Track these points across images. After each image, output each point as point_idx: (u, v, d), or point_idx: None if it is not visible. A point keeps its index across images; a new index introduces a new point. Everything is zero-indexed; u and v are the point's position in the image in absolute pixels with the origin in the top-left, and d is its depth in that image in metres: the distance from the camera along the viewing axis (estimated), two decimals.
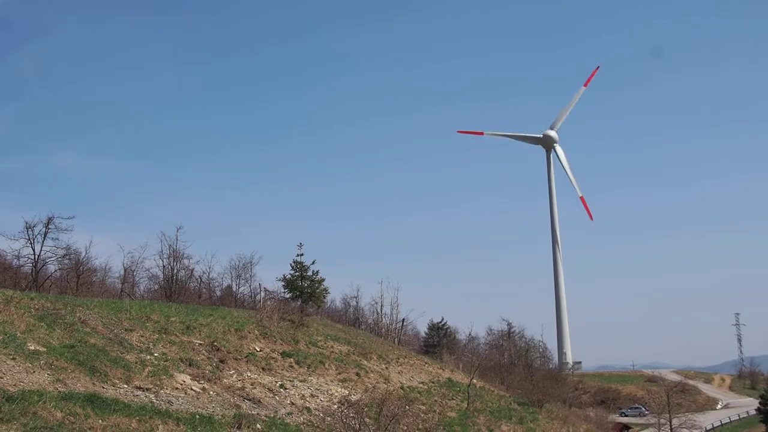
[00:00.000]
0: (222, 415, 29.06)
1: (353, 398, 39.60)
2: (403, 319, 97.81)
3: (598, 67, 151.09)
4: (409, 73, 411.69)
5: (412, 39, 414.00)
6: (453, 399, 54.82)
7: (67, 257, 59.68)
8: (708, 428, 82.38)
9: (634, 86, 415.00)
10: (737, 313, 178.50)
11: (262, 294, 76.69)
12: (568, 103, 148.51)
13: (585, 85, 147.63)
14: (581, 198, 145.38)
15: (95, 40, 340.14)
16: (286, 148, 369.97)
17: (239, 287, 79.72)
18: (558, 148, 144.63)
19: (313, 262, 65.34)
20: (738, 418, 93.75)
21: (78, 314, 35.50)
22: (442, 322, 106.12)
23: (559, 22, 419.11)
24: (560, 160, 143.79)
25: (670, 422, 66.46)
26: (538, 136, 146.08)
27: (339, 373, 47.88)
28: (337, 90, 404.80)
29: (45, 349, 28.07)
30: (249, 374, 39.07)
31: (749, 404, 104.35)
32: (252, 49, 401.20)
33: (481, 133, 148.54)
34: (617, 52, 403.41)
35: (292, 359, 45.91)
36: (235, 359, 40.73)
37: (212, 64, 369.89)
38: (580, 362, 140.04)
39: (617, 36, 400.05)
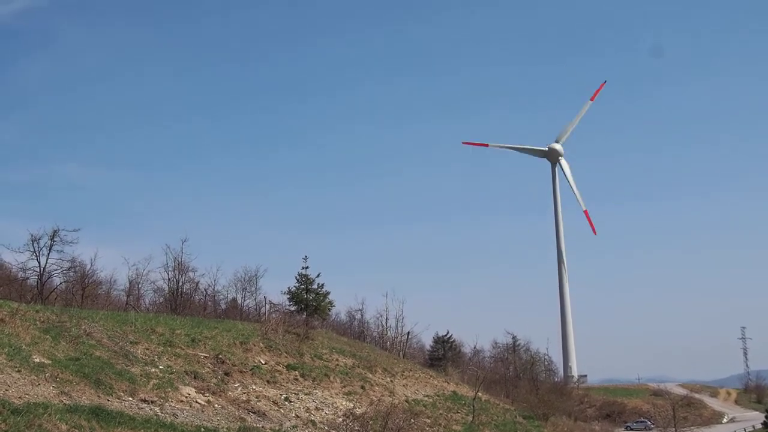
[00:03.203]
0: (227, 428, 29.02)
1: (358, 411, 39.49)
2: (408, 332, 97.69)
3: (605, 81, 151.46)
4: (411, 83, 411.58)
5: (415, 50, 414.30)
6: (458, 412, 54.63)
7: (73, 270, 59.82)
8: None
9: (641, 97, 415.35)
10: (743, 327, 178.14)
11: (267, 307, 76.61)
12: (574, 117, 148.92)
13: (592, 99, 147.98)
14: (585, 212, 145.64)
15: (102, 49, 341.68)
16: (291, 158, 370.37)
17: (244, 300, 79.76)
18: (563, 162, 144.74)
19: (318, 275, 65.34)
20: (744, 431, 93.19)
21: (83, 327, 35.52)
22: (447, 335, 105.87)
23: (564, 34, 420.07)
24: (565, 174, 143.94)
25: None
26: (543, 149, 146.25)
27: (344, 386, 47.78)
28: (341, 99, 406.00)
29: (50, 362, 28.08)
30: (254, 387, 39.01)
31: (755, 418, 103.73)
32: (257, 57, 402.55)
33: (486, 145, 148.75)
34: (624, 65, 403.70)
35: (297, 372, 45.84)
36: (240, 372, 40.68)
37: (217, 73, 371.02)
38: (585, 375, 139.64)
39: (623, 49, 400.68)
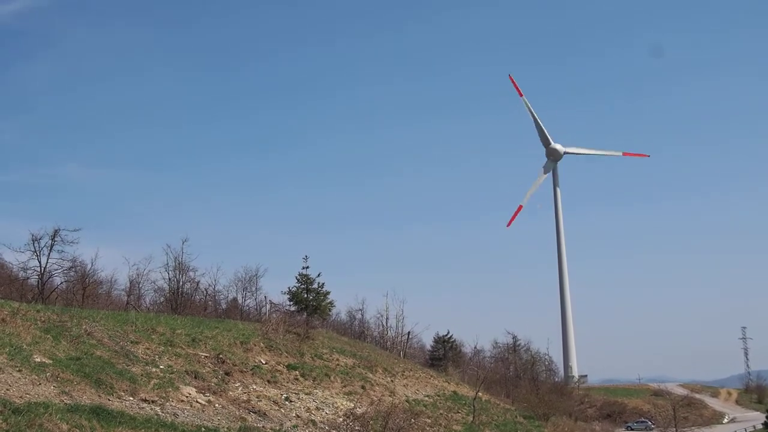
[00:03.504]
0: (227, 428, 29.04)
1: (358, 411, 39.49)
2: (409, 332, 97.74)
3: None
4: (411, 83, 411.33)
5: (415, 50, 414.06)
6: (458, 412, 54.65)
7: (73, 269, 59.87)
8: None
9: (641, 97, 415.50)
10: (744, 327, 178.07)
11: (268, 306, 76.70)
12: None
13: (521, 95, 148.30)
14: (519, 206, 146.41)
15: (102, 49, 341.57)
16: (291, 158, 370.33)
17: (245, 300, 79.83)
18: (554, 165, 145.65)
19: (319, 275, 65.36)
20: None
21: (84, 326, 35.57)
22: (448, 335, 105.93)
23: (563, 34, 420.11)
24: (545, 171, 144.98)
25: None
26: (549, 140, 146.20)
27: (344, 386, 47.81)
28: (341, 99, 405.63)
29: (51, 362, 28.11)
30: (254, 387, 39.04)
31: (756, 418, 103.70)
32: (257, 57, 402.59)
33: (521, 95, 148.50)
34: (624, 65, 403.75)
35: (297, 372, 45.87)
36: (241, 372, 40.70)
37: (218, 74, 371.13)
38: (585, 375, 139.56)
39: (623, 49, 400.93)
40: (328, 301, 66.43)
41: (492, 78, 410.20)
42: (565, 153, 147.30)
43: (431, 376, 69.87)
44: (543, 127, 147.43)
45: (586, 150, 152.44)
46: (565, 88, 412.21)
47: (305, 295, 64.13)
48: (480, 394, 61.30)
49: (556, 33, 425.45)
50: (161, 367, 34.79)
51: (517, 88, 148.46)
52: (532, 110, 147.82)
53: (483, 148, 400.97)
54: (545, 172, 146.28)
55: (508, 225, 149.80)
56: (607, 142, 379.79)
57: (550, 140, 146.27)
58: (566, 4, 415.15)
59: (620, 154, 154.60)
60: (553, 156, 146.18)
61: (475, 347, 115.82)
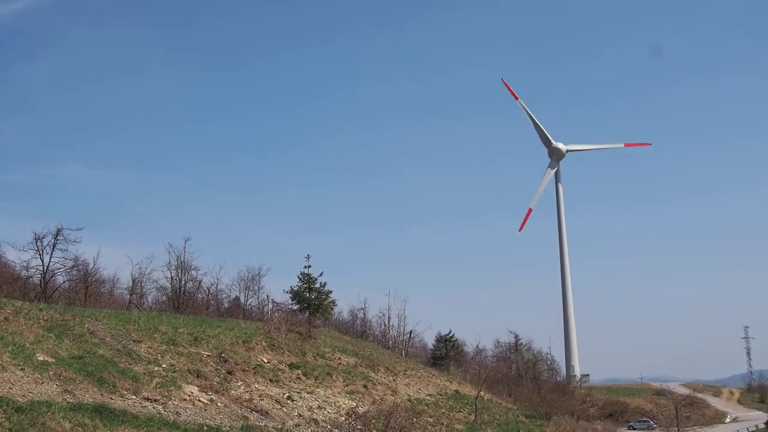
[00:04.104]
0: (230, 427, 29.10)
1: (361, 410, 39.52)
2: (411, 331, 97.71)
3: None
4: (411, 83, 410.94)
5: (415, 50, 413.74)
6: (460, 411, 54.67)
7: (76, 268, 59.88)
8: None
9: (641, 97, 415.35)
10: (746, 327, 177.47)
11: (270, 306, 76.75)
12: (595, 145, 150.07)
13: (516, 98, 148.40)
14: (529, 209, 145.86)
15: (103, 49, 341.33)
16: (292, 158, 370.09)
17: (247, 299, 79.85)
18: (558, 164, 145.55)
19: (321, 274, 65.47)
20: (747, 431, 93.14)
21: (86, 325, 35.64)
22: (450, 335, 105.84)
23: (563, 34, 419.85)
24: (550, 171, 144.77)
25: None
26: (551, 139, 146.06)
27: (346, 385, 47.84)
28: (341, 99, 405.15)
29: (54, 360, 28.18)
30: (257, 386, 39.09)
31: (758, 417, 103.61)
32: (257, 57, 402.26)
33: (517, 98, 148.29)
34: (624, 66, 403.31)
35: (299, 371, 45.91)
36: (243, 371, 40.75)
37: (218, 74, 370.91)
38: (587, 375, 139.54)
39: (623, 49, 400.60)
40: (330, 300, 66.59)
41: (492, 78, 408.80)
42: (568, 151, 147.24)
43: (433, 375, 69.90)
44: (542, 128, 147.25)
45: (588, 146, 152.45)
46: (565, 88, 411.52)
47: (307, 294, 64.26)
48: (482, 393, 61.31)
49: (556, 33, 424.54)
50: (163, 366, 34.84)
51: (511, 92, 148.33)
52: (530, 112, 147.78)
53: (483, 148, 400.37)
54: (551, 170, 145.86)
55: (520, 229, 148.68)
56: (607, 141, 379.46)
57: (551, 140, 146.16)
58: (566, 4, 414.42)
59: (622, 145, 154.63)
60: (556, 155, 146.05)
61: (477, 346, 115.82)
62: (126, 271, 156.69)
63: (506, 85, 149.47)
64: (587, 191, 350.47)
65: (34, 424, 20.66)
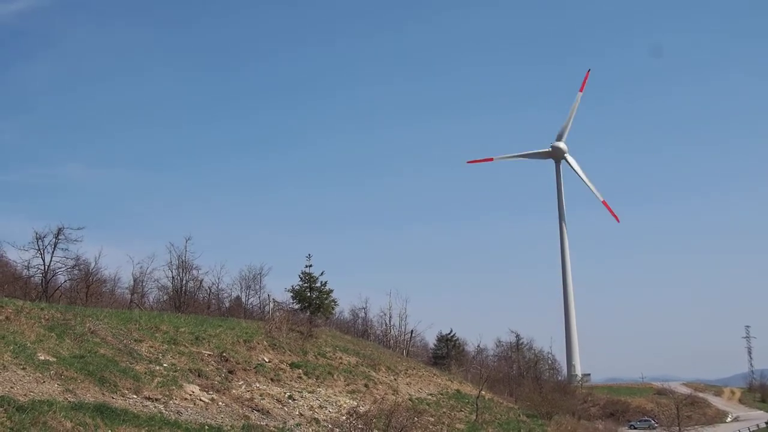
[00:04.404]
0: (231, 426, 29.10)
1: (362, 410, 39.55)
2: (412, 331, 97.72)
3: (590, 70, 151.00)
4: (411, 83, 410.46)
5: (415, 50, 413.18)
6: (461, 411, 54.68)
7: (77, 268, 59.97)
8: None
9: (641, 97, 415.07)
10: (748, 326, 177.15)
11: (271, 305, 76.74)
12: (569, 112, 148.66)
13: (581, 90, 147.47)
14: (603, 202, 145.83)
15: (103, 49, 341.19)
16: (292, 158, 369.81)
17: (248, 298, 79.87)
18: (569, 158, 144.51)
19: (322, 273, 65.46)
20: (748, 431, 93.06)
21: (88, 325, 35.64)
22: (451, 334, 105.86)
23: (563, 34, 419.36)
24: (574, 169, 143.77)
25: None
26: (548, 149, 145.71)
27: (347, 385, 47.85)
28: (342, 99, 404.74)
29: (55, 360, 28.19)
30: (258, 385, 39.10)
31: (759, 417, 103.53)
32: (257, 57, 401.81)
33: (491, 159, 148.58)
34: (624, 66, 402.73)
35: (300, 370, 45.92)
36: (244, 370, 40.77)
37: (218, 74, 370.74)
38: (589, 374, 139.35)
39: (624, 49, 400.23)
40: (331, 299, 66.59)
41: (492, 78, 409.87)
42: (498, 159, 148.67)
43: (434, 374, 69.91)
44: (533, 152, 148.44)
45: (516, 155, 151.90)
46: (565, 88, 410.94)
47: (308, 294, 64.25)
48: (483, 392, 61.34)
49: (556, 33, 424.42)
50: (165, 365, 34.86)
51: (482, 161, 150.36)
52: (512, 155, 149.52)
53: (483, 147, 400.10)
54: (572, 161, 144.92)
55: (618, 220, 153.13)
56: (607, 141, 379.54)
57: (548, 149, 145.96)
58: (566, 4, 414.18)
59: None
60: (560, 154, 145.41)
61: (478, 346, 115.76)
62: (127, 270, 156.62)
63: (474, 161, 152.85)
64: (587, 191, 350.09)
65: (36, 424, 20.67)
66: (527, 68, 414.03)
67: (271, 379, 41.57)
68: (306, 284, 64.65)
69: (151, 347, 37.51)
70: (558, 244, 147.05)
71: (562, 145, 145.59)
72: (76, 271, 60.09)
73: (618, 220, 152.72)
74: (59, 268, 57.15)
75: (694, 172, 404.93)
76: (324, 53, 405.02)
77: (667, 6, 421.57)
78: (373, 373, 55.01)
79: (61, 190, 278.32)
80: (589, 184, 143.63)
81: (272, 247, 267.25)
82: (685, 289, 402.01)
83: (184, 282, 68.34)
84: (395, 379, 57.34)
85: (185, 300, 66.70)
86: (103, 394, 26.87)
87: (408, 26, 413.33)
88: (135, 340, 37.41)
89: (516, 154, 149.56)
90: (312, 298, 64.52)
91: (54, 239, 54.95)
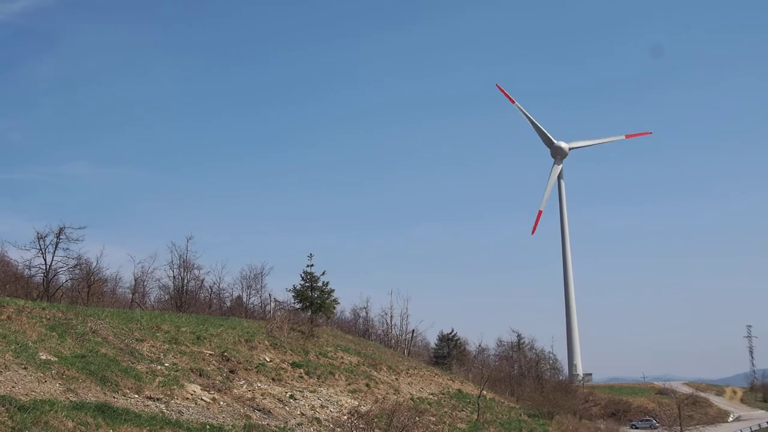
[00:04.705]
0: (232, 426, 29.07)
1: (363, 409, 39.55)
2: (413, 330, 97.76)
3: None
4: (413, 83, 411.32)
5: (418, 50, 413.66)
6: (463, 410, 54.66)
7: (78, 267, 59.98)
8: None
9: (641, 97, 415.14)
10: (749, 326, 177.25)
11: (272, 304, 76.84)
12: (597, 140, 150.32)
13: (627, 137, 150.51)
14: (540, 211, 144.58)
15: (107, 48, 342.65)
16: (295, 158, 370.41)
17: (249, 297, 79.96)
18: (561, 163, 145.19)
19: (323, 273, 65.40)
20: (750, 431, 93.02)
21: (89, 324, 35.64)
22: (452, 333, 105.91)
23: (564, 34, 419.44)
24: (557, 169, 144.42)
25: None
26: (552, 139, 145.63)
27: (349, 384, 47.84)
28: (345, 99, 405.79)
29: (56, 359, 28.18)
30: (259, 385, 39.09)
31: (761, 417, 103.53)
32: (263, 57, 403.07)
33: (513, 101, 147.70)
34: (624, 66, 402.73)
35: (302, 370, 45.91)
36: (246, 369, 40.76)
37: (223, 73, 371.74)
38: (590, 374, 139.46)
39: (623, 49, 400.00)
40: (333, 299, 66.52)
41: (492, 78, 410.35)
42: (571, 149, 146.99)
43: (435, 374, 69.89)
44: (542, 129, 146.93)
45: (590, 141, 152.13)
46: (565, 88, 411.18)
47: (310, 293, 64.19)
48: (484, 392, 61.29)
49: (557, 33, 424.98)
50: (166, 364, 34.84)
51: (507, 96, 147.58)
52: (528, 114, 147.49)
53: (484, 148, 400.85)
54: (558, 167, 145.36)
55: (533, 232, 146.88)
56: (608, 135, 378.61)
57: (553, 140, 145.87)
58: (567, 4, 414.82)
59: (623, 137, 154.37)
60: (559, 154, 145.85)
61: (480, 345, 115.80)
62: (128, 270, 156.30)
63: (501, 89, 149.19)
64: (590, 192, 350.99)
65: (37, 423, 20.65)
66: (528, 68, 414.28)
67: (273, 379, 41.56)
68: (307, 284, 64.59)
69: (153, 347, 37.51)
70: (559, 244, 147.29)
71: (564, 146, 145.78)
72: (77, 271, 60.16)
73: (533, 233, 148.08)
74: (60, 267, 57.22)
75: (693, 172, 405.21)
76: (327, 53, 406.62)
77: (667, 6, 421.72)
78: (375, 373, 54.99)
79: (65, 188, 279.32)
80: (548, 191, 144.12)
81: (274, 246, 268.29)
82: (686, 289, 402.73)
83: (185, 281, 68.46)
84: (396, 379, 57.32)
85: (186, 299, 66.77)
86: (104, 393, 26.86)
87: (408, 26, 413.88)
88: (136, 340, 37.41)
89: (530, 115, 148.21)
90: (313, 298, 64.46)
91: (55, 239, 55.02)
